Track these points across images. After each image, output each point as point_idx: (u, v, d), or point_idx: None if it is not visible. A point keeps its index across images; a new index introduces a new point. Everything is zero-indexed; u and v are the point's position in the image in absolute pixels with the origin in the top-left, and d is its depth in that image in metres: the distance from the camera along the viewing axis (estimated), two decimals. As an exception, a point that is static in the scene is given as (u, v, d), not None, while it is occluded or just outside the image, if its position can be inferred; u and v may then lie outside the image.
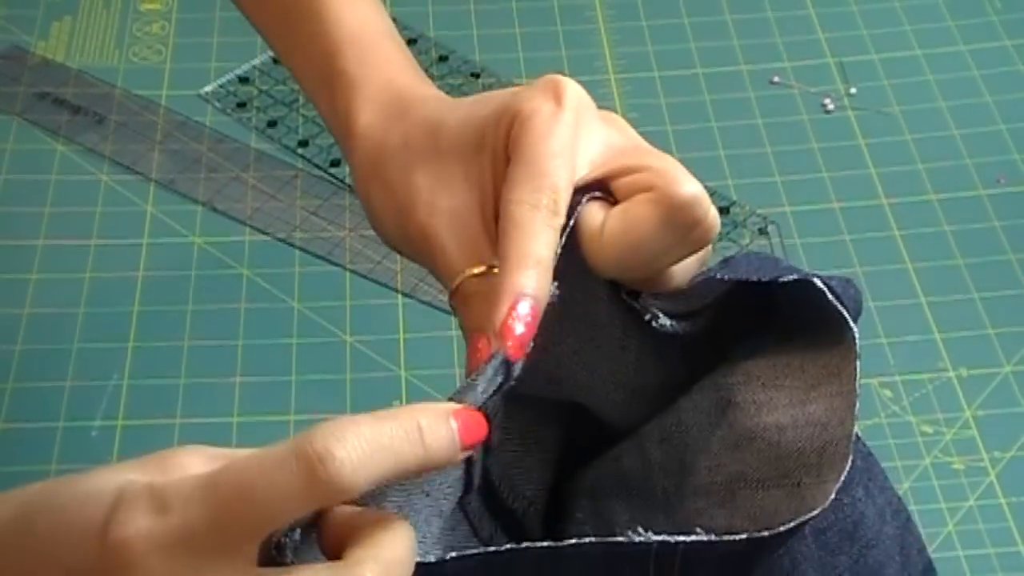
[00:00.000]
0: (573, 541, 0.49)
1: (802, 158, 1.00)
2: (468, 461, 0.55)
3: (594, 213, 0.54)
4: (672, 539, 0.49)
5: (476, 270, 0.55)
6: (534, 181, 0.53)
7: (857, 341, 0.52)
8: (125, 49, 1.07)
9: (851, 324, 0.52)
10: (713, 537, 0.49)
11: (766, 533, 0.49)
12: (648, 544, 0.49)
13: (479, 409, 0.49)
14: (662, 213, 0.53)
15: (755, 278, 0.53)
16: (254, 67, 1.06)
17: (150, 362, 0.87)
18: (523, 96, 0.56)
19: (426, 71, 1.04)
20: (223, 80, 1.05)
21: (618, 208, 0.54)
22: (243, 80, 1.05)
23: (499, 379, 0.51)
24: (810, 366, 0.54)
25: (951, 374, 0.87)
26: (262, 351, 0.87)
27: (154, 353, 0.87)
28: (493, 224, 0.56)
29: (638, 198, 0.53)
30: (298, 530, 0.46)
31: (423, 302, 0.90)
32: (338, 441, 0.44)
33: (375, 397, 0.85)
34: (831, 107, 1.04)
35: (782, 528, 0.49)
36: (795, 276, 0.53)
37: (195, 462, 0.47)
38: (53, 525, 0.46)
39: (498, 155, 0.56)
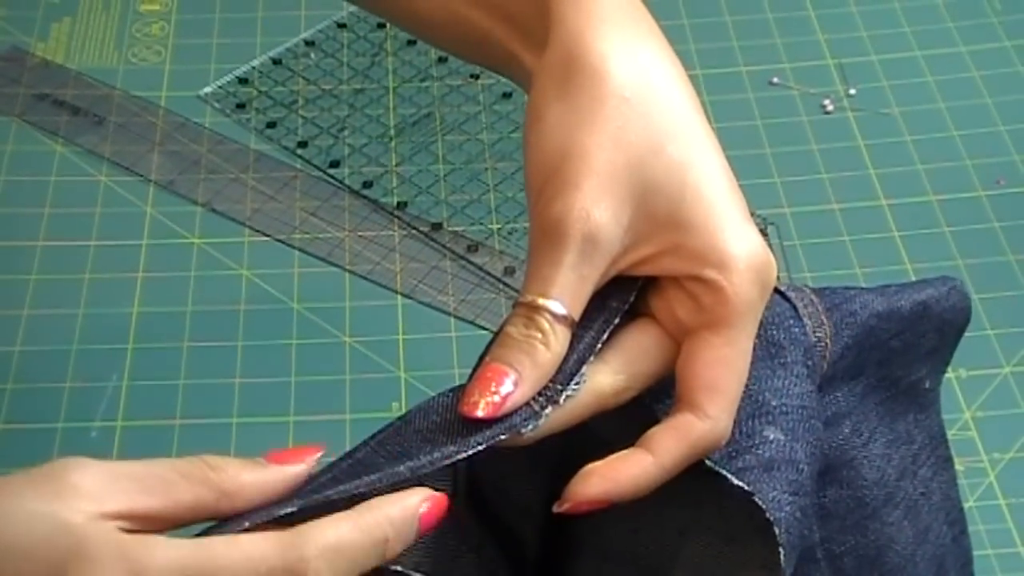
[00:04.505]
0: None
1: (801, 159, 1.00)
2: (454, 469, 0.55)
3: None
4: None
5: (527, 298, 0.53)
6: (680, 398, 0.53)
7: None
8: (124, 50, 1.07)
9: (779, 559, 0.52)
10: None
11: None
12: None
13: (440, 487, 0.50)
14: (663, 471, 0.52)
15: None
16: (253, 68, 1.06)
17: (149, 363, 0.86)
18: (725, 279, 0.53)
19: (425, 72, 1.05)
20: (222, 81, 1.05)
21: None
22: (242, 81, 1.05)
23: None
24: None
25: (950, 375, 0.87)
26: (261, 352, 0.87)
27: (153, 354, 0.87)
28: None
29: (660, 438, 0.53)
30: None
31: (422, 303, 0.90)
32: (328, 564, 0.47)
33: (374, 398, 0.85)
34: (830, 108, 1.04)
35: None
36: (741, 486, 0.52)
37: (88, 481, 0.47)
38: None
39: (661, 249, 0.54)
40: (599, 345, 0.53)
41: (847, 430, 0.59)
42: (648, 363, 0.54)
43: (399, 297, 0.91)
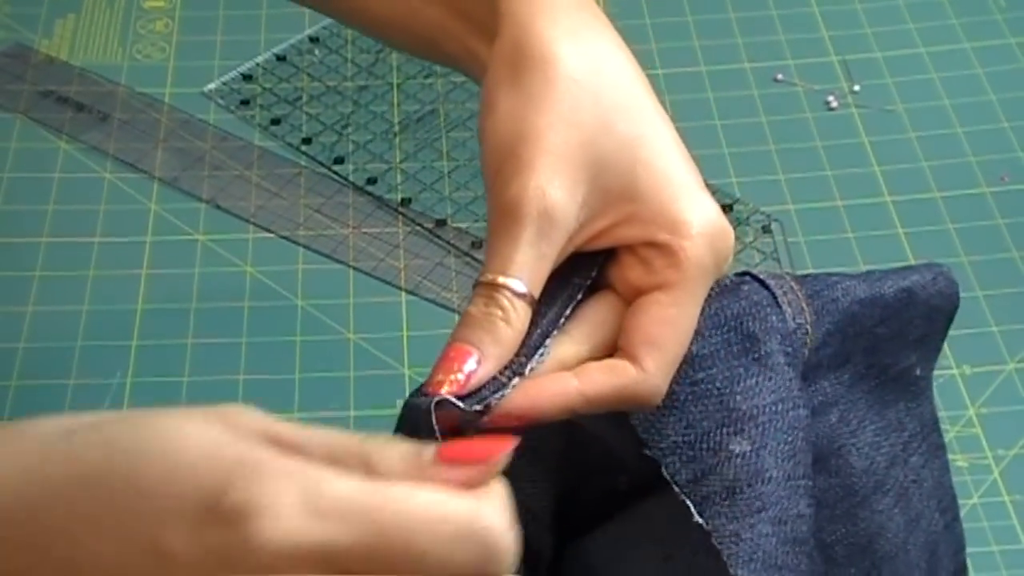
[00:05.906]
0: None
1: (805, 156, 1.00)
2: None
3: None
4: None
5: (487, 278, 0.54)
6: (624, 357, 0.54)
7: None
8: (129, 47, 1.07)
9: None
10: None
11: None
12: None
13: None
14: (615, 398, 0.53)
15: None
16: (258, 64, 1.06)
17: (154, 360, 0.87)
18: (679, 240, 0.54)
19: (429, 68, 1.05)
20: (227, 78, 1.05)
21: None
22: (247, 78, 1.05)
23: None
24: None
25: (955, 371, 0.87)
26: (266, 349, 0.87)
27: (158, 351, 0.87)
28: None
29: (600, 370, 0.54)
30: None
31: (426, 299, 0.90)
32: (510, 545, 0.41)
33: (378, 395, 0.85)
34: (835, 104, 1.04)
35: None
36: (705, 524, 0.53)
37: (255, 415, 0.43)
38: (144, 483, 0.41)
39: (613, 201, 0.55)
40: (562, 320, 0.54)
41: (834, 419, 0.59)
42: (608, 332, 0.55)
43: (403, 294, 0.91)
